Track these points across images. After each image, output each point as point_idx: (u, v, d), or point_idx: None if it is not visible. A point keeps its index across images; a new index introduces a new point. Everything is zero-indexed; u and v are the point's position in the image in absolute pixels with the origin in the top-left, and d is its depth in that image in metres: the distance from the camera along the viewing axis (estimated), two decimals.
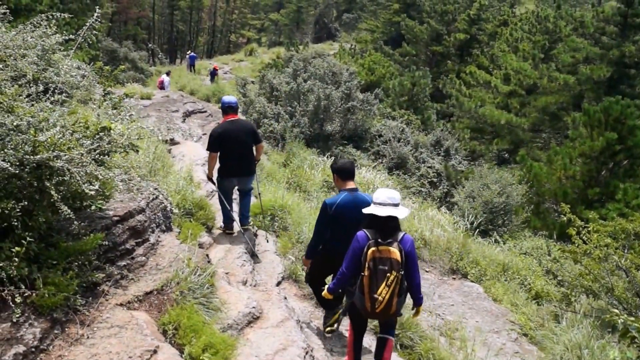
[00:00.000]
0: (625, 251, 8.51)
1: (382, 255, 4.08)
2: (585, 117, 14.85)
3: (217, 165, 6.63)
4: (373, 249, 4.10)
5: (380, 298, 4.07)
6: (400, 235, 4.21)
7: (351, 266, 4.27)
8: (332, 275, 5.15)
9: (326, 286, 4.66)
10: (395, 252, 4.07)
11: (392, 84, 23.77)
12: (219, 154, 6.46)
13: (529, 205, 14.80)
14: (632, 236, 8.86)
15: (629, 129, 13.92)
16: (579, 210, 12.30)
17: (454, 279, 9.12)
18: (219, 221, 7.19)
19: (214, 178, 6.83)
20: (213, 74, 30.87)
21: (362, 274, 4.14)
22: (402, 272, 4.12)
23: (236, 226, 6.98)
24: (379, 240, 4.13)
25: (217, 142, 6.39)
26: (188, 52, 40.21)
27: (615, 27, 23.76)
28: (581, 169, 14.55)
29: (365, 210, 4.29)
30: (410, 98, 23.17)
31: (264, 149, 7.37)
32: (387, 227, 4.18)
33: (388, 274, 4.05)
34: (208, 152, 6.57)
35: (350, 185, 5.08)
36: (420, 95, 23.53)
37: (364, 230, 4.25)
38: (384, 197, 4.23)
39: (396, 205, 4.23)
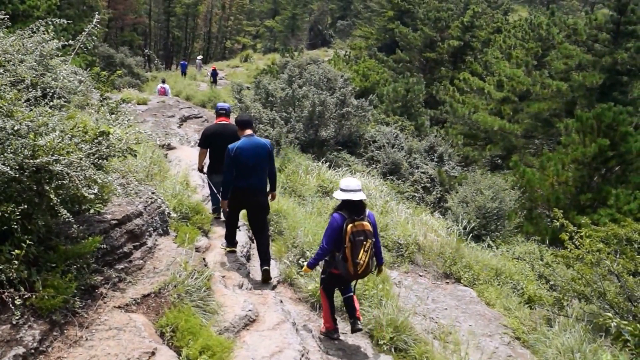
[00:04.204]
0: (617, 256, 8.58)
1: (358, 228, 5.09)
2: (577, 124, 14.95)
3: (207, 161, 7.50)
4: (351, 225, 5.09)
5: (361, 262, 5.08)
6: (367, 212, 5.28)
7: (331, 241, 5.16)
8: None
9: (305, 263, 5.54)
10: (367, 225, 5.15)
11: (386, 90, 23.86)
12: (208, 151, 7.37)
13: (522, 210, 14.88)
14: (623, 241, 8.92)
15: (621, 136, 14.03)
16: (571, 215, 12.38)
17: (447, 283, 9.17)
18: (216, 228, 7.50)
19: (204, 171, 7.74)
20: (214, 74, 30.65)
21: (344, 245, 5.08)
22: (374, 239, 5.20)
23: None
24: (355, 217, 5.10)
25: (207, 140, 7.34)
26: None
27: (608, 35, 23.88)
28: (573, 175, 14.64)
29: (338, 196, 5.22)
30: (404, 104, 23.27)
31: None
32: (359, 207, 5.17)
33: (364, 242, 5.09)
34: (199, 147, 7.55)
35: (248, 132, 6.17)
36: (414, 101, 23.64)
37: (338, 212, 5.20)
38: (354, 185, 5.20)
39: (361, 190, 5.22)
